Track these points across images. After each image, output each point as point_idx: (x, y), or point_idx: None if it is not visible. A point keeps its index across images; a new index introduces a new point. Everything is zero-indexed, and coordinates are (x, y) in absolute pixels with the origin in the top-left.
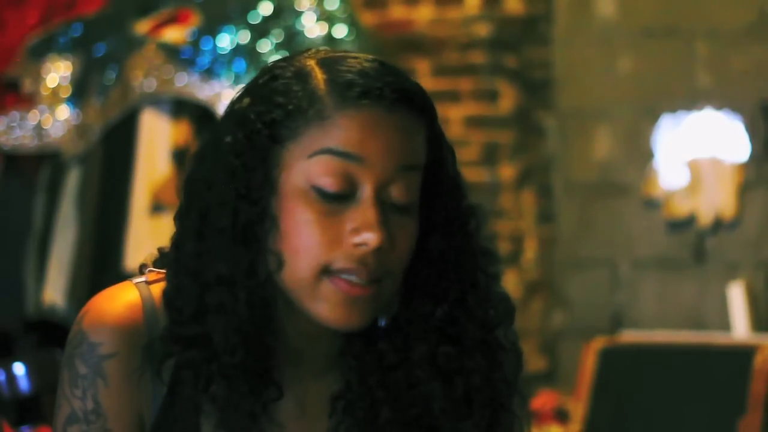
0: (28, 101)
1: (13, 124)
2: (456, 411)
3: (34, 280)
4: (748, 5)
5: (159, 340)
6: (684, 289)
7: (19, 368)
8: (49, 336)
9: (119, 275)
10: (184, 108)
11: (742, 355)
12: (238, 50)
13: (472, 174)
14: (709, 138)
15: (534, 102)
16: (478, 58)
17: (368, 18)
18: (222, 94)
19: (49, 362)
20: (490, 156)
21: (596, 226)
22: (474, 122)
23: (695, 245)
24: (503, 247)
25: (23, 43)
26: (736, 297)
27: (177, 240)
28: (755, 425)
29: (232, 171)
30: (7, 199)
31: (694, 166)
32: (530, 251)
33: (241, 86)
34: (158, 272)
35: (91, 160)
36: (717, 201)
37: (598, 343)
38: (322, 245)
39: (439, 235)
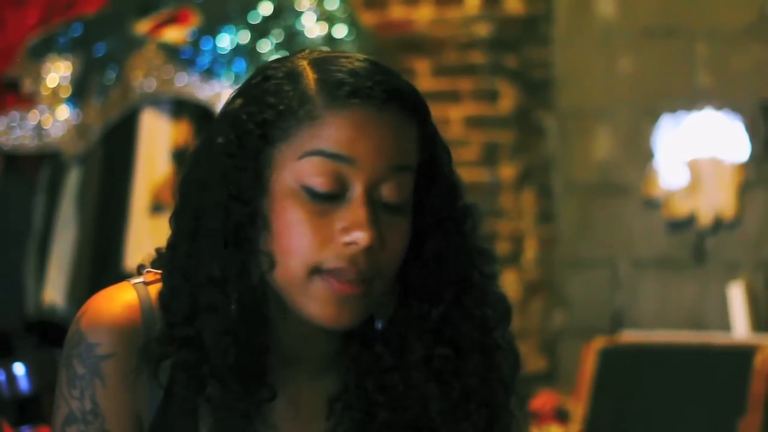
0: (28, 101)
1: (13, 124)
2: (453, 412)
3: (34, 280)
4: (748, 5)
5: (155, 341)
6: (684, 289)
7: (19, 368)
8: (49, 336)
9: (119, 275)
10: (184, 108)
11: (742, 355)
12: (238, 50)
13: (472, 174)
14: (709, 138)
15: (534, 102)
16: (478, 58)
17: (368, 18)
18: (222, 94)
19: (49, 362)
20: (490, 156)
21: (596, 226)
22: (474, 122)
23: (695, 245)
24: (503, 247)
25: (23, 43)
26: (736, 297)
27: (172, 241)
28: (755, 425)
29: (224, 172)
30: (7, 199)
31: (694, 166)
32: (530, 251)
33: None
34: (156, 273)
35: (91, 160)
36: (717, 201)
37: (598, 343)
38: (312, 245)
39: (434, 236)
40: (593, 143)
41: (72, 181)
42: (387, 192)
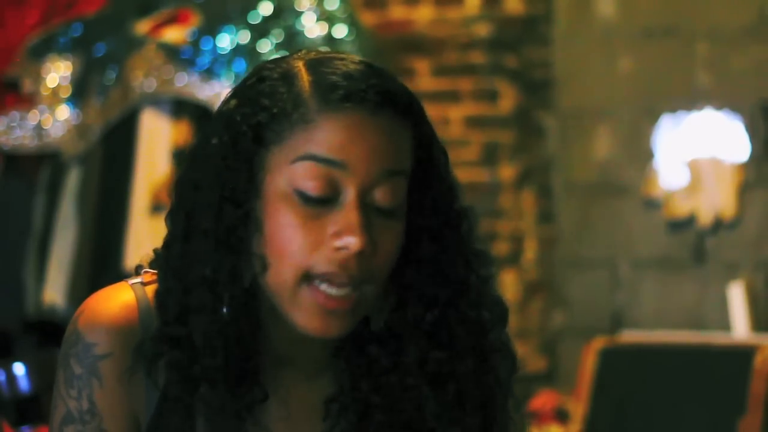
0: (28, 101)
1: (13, 124)
2: (448, 415)
3: (34, 280)
4: (748, 5)
5: (150, 340)
6: (684, 289)
7: (19, 368)
8: (49, 336)
9: (119, 275)
10: (184, 108)
11: (742, 355)
12: (238, 50)
13: (472, 174)
14: (709, 138)
15: (534, 102)
16: (478, 58)
17: (368, 18)
18: (222, 94)
19: (49, 362)
20: (490, 156)
21: (596, 226)
22: (474, 122)
23: (695, 245)
24: (503, 247)
25: (23, 43)
26: (736, 297)
27: (166, 241)
28: (755, 425)
29: (217, 173)
30: (7, 199)
31: (694, 166)
32: (530, 251)
33: None
34: (153, 273)
35: (91, 160)
36: (717, 201)
37: (598, 343)
38: (304, 249)
39: (430, 239)
40: (593, 143)
41: (72, 181)
42: (380, 196)
